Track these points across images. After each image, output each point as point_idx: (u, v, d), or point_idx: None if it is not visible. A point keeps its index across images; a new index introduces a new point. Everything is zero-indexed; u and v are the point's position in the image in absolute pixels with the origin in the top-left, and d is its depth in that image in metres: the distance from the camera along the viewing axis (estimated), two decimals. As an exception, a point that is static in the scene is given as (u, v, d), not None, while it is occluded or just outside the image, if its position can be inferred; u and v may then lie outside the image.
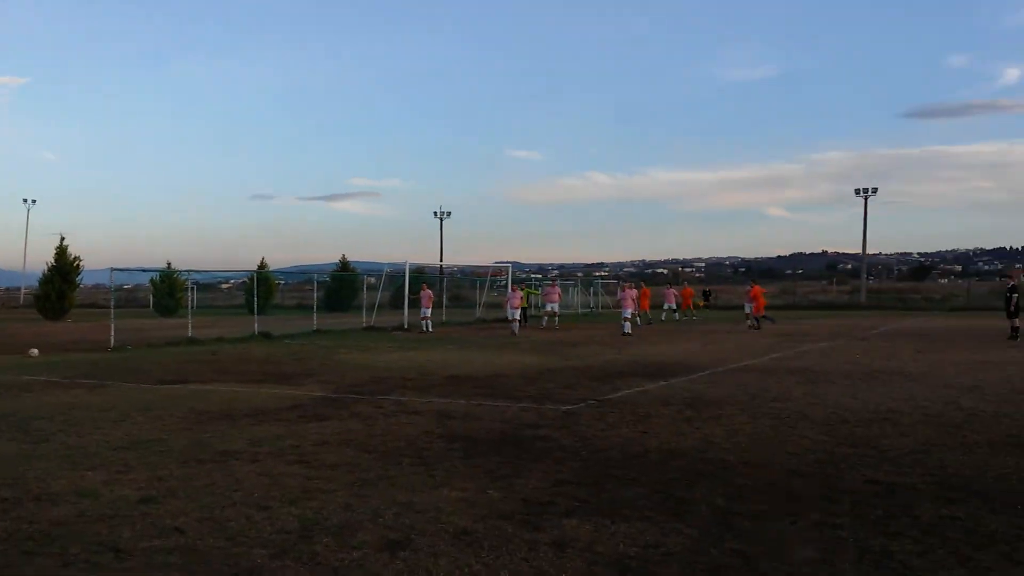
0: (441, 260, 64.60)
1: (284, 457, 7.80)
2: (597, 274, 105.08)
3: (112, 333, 22.82)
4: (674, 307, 37.74)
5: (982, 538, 5.17)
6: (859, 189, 62.18)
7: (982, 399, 11.32)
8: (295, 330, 28.09)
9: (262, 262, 51.68)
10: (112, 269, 25.02)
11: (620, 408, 10.79)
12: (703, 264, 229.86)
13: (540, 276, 69.71)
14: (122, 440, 8.74)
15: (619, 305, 30.44)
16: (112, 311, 24.15)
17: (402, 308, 32.34)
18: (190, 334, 24.93)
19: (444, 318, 36.87)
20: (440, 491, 6.46)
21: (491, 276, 45.20)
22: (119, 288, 63.75)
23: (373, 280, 45.50)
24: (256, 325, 27.07)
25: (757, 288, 30.50)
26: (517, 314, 28.50)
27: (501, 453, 7.91)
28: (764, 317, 29.63)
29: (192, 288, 38.69)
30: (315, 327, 28.82)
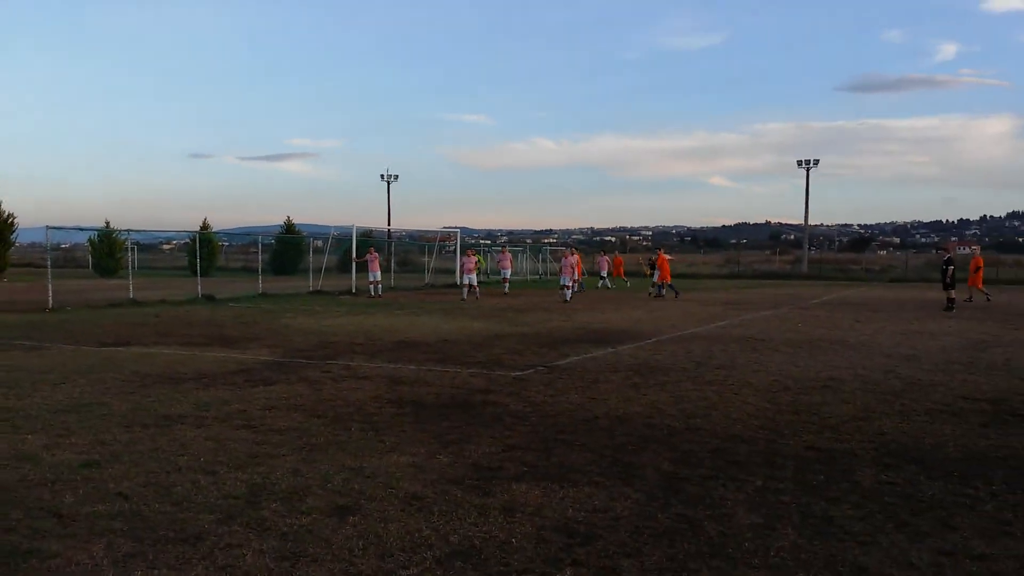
0: (389, 224, 64.10)
1: (231, 422, 7.71)
2: (545, 240, 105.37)
3: (50, 294, 22.18)
4: (604, 275, 37.66)
5: (919, 503, 5.35)
6: (801, 161, 63.14)
7: (919, 368, 11.66)
8: (240, 293, 27.65)
9: (204, 222, 50.55)
10: (48, 227, 24.23)
11: (569, 374, 10.87)
12: (650, 232, 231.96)
13: (489, 242, 69.57)
14: (63, 403, 8.53)
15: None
16: (49, 271, 23.41)
17: (349, 272, 32.02)
18: (131, 295, 24.36)
19: (393, 283, 36.62)
20: (390, 456, 6.45)
21: (440, 241, 45.00)
22: (56, 248, 62.00)
23: (320, 243, 44.97)
24: (200, 287, 26.57)
25: (663, 256, 30.71)
26: (472, 279, 28.39)
27: (451, 418, 7.92)
28: (669, 286, 29.75)
29: (132, 249, 37.72)
30: (260, 290, 28.39)
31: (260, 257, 33.38)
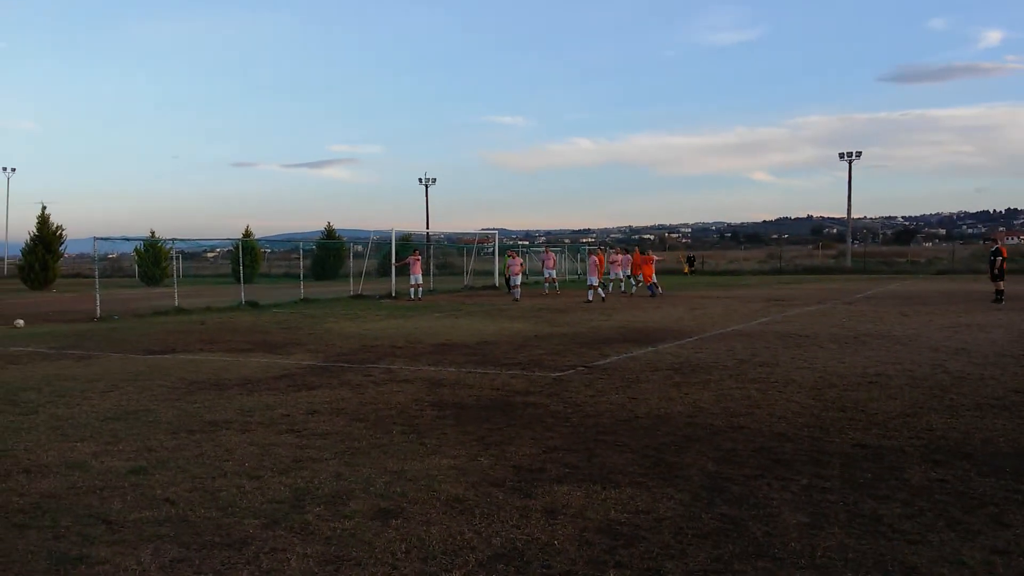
0: (427, 227, 64.41)
1: (274, 427, 7.79)
2: (584, 240, 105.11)
3: (98, 303, 22.67)
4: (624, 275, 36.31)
5: (970, 501, 5.23)
6: (843, 153, 62.26)
7: (968, 362, 11.41)
8: (282, 299, 28.00)
9: (247, 230, 51.32)
10: (96, 238, 24.75)
11: (609, 374, 10.82)
12: (689, 229, 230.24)
13: (527, 243, 69.54)
14: (111, 411, 8.70)
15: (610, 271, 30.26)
16: (97, 281, 23.95)
17: (389, 276, 32.24)
18: (176, 303, 24.80)
19: (432, 286, 36.80)
20: (431, 459, 6.47)
21: (478, 243, 45.12)
22: (103, 258, 63.35)
23: (361, 248, 45.36)
24: (243, 294, 26.95)
25: (639, 255, 30.29)
26: (519, 280, 28.53)
27: (491, 420, 7.93)
28: (646, 285, 29.21)
29: (177, 257, 38.39)
30: (302, 296, 28.72)
31: (301, 263, 33.75)
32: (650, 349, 13.53)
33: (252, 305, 25.94)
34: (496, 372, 11.15)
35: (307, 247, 52.69)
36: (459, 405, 8.76)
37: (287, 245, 60.93)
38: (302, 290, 29.42)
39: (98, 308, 22.46)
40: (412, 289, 29.43)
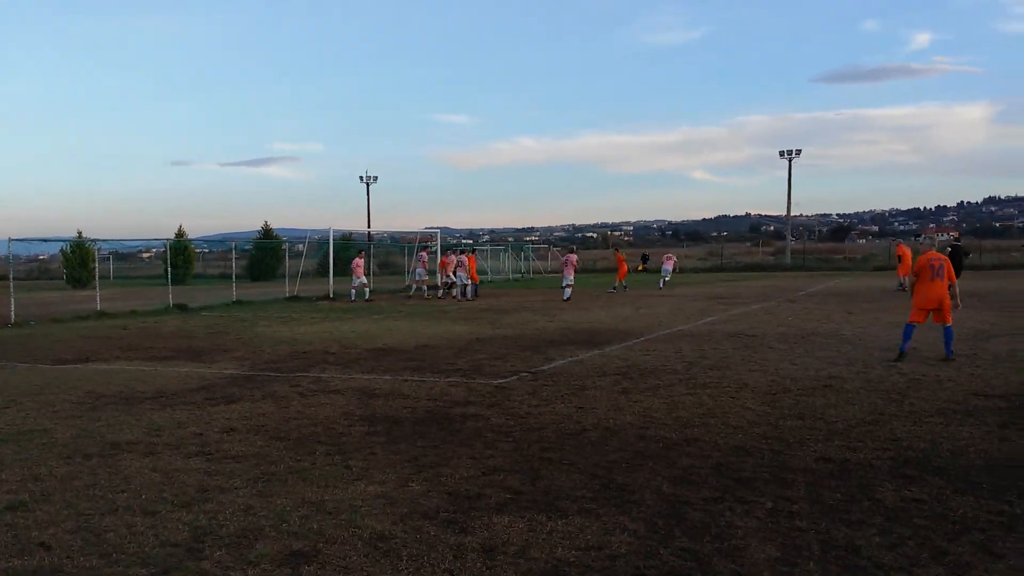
0: (369, 226, 63.25)
1: (183, 449, 6.99)
2: (528, 239, 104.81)
3: (12, 308, 21.28)
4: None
5: (952, 525, 4.73)
6: (783, 151, 62.80)
7: (922, 362, 11.09)
8: (213, 301, 26.81)
9: (179, 229, 49.57)
10: (10, 239, 23.33)
11: (554, 380, 10.21)
12: (632, 228, 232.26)
13: (470, 242, 68.82)
14: (1, 431, 7.78)
15: (560, 271, 29.62)
16: (11, 283, 22.47)
17: (328, 276, 31.22)
18: (99, 307, 23.49)
19: (372, 286, 35.87)
20: (356, 486, 5.77)
21: (420, 242, 44.25)
22: (33, 259, 60.75)
23: (301, 248, 44.13)
24: (171, 296, 25.71)
25: (571, 256, 29.93)
26: (466, 279, 27.82)
27: (427, 437, 7.25)
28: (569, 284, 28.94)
29: (108, 258, 36.75)
30: (235, 298, 27.56)
31: (234, 263, 32.50)
32: (596, 352, 12.98)
33: (180, 308, 24.75)
34: (434, 380, 10.46)
35: (243, 247, 51.22)
36: (392, 419, 8.05)
37: (224, 246, 59.18)
38: (235, 292, 28.25)
39: (12, 313, 21.08)
40: (354, 291, 28.33)
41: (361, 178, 69.20)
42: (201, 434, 7.54)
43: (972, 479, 5.65)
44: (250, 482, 5.91)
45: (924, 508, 5.06)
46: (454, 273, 28.23)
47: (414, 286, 30.80)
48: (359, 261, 29.10)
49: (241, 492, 5.66)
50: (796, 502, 5.24)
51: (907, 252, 29.46)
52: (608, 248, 70.52)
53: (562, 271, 27.55)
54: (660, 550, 4.45)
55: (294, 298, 29.45)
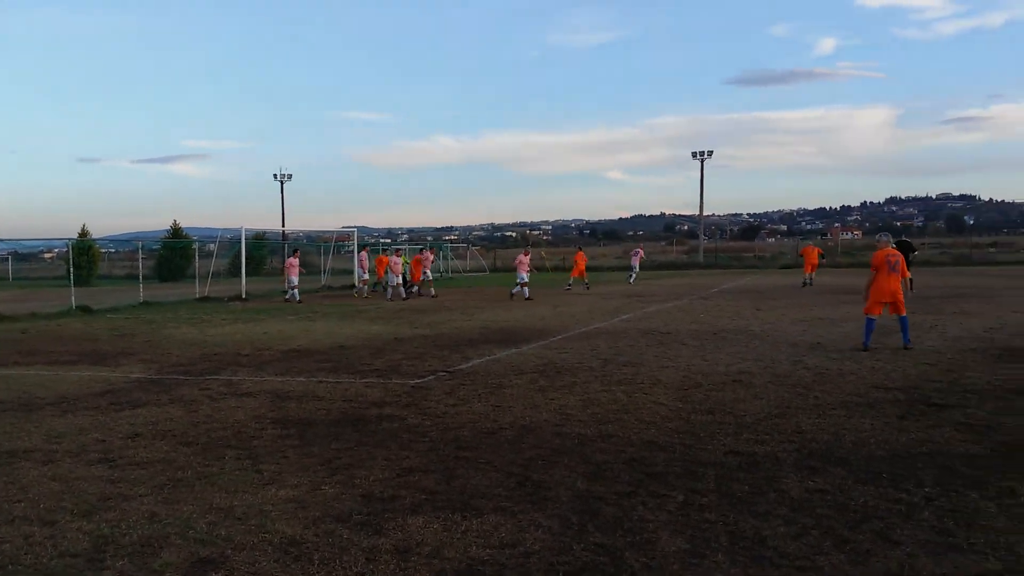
0: (283, 225, 62.05)
1: (84, 456, 6.72)
2: (447, 238, 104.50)
3: (-102, 312, 20.11)
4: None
5: (853, 514, 4.90)
6: (696, 152, 64.26)
7: (826, 357, 11.49)
8: (120, 303, 25.87)
9: (83, 228, 47.65)
10: None
11: (471, 379, 10.20)
12: (550, 227, 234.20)
13: (389, 241, 68.26)
14: None
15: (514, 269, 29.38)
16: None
17: (240, 276, 30.48)
18: (-4, 310, 22.39)
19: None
20: (267, 490, 5.64)
21: (337, 241, 43.68)
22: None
23: (212, 247, 43.01)
24: (74, 298, 24.70)
25: (525, 257, 30.32)
26: (398, 280, 27.42)
27: (341, 439, 7.14)
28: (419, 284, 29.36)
29: (7, 259, 35.06)
30: (142, 299, 26.64)
31: (141, 263, 31.45)
32: (514, 350, 13.02)
33: (84, 310, 23.80)
34: (350, 381, 10.32)
35: (151, 246, 49.65)
36: (306, 422, 7.90)
37: (131, 245, 57.17)
38: (142, 293, 27.33)
39: (-101, 317, 19.92)
40: (296, 291, 27.35)
41: (275, 176, 67.86)
42: (104, 440, 7.26)
43: (873, 469, 5.87)
44: (155, 489, 5.71)
45: (827, 498, 5.23)
46: (386, 271, 27.96)
47: (363, 286, 30.37)
48: (293, 260, 28.35)
49: (146, 499, 5.47)
50: (706, 495, 5.35)
51: (811, 251, 31.67)
52: (527, 246, 70.80)
53: (516, 270, 27.47)
54: (573, 545, 4.49)
55: (205, 299, 28.66)
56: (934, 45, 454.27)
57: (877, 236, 14.16)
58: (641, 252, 39.25)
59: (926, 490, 5.33)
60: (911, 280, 24.20)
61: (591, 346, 13.35)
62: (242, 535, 4.74)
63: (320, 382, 10.27)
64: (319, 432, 7.43)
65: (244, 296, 28.83)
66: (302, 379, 10.55)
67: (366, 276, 30.14)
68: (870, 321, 12.36)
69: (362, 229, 59.10)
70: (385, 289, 27.95)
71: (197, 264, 33.41)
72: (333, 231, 45.92)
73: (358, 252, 33.30)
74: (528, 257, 27.82)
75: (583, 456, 6.40)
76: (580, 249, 35.83)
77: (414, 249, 39.53)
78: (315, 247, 49.62)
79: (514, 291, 26.27)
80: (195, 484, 5.82)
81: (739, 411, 7.98)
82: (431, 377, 10.48)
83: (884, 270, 12.21)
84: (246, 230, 32.86)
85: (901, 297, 12.16)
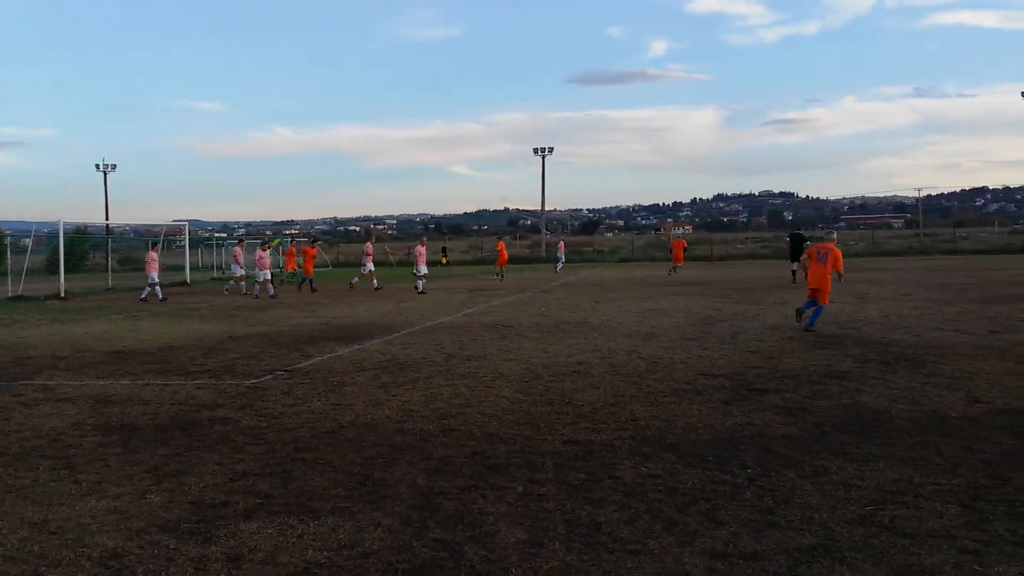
0: (107, 218, 58.42)
1: None
2: (287, 232, 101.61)
3: None
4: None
5: (682, 497, 5.13)
6: (537, 149, 65.64)
7: (659, 346, 11.99)
8: (-83, 303, 23.52)
9: None
10: None
11: (311, 378, 9.96)
12: (395, 221, 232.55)
13: (225, 235, 65.61)
14: None
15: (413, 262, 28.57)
16: None
17: (59, 273, 28.40)
18: None
19: (111, 283, 33.21)
20: (86, 501, 5.28)
21: (167, 235, 41.58)
22: None
23: (27, 242, 39.84)
24: None
25: (421, 248, 30.40)
26: (267, 275, 26.10)
27: (169, 444, 6.78)
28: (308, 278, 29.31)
29: None
30: (-55, 299, 24.34)
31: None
32: (356, 347, 12.82)
33: None
34: (180, 383, 9.83)
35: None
36: (130, 427, 7.46)
37: (-70, 239, 52.04)
38: (-56, 292, 24.97)
39: None
40: (149, 288, 25.42)
41: (98, 166, 63.80)
42: None
43: (700, 453, 6.17)
44: (-45, 507, 5.22)
45: (658, 482, 5.45)
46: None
47: (236, 283, 28.53)
48: (153, 255, 26.25)
49: (-56, 519, 4.99)
50: (545, 484, 5.45)
51: (677, 244, 35.02)
52: (369, 240, 70.09)
53: (415, 263, 26.93)
54: (413, 543, 4.46)
55: (18, 298, 26.52)
56: (757, 50, 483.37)
57: (826, 230, 15.78)
58: (563, 244, 45.14)
59: (748, 471, 5.66)
60: (794, 272, 26.22)
61: (435, 341, 13.34)
62: (57, 550, 4.41)
63: (147, 385, 9.73)
64: (145, 438, 7.03)
65: (63, 294, 26.90)
66: (127, 382, 9.96)
67: (241, 272, 28.50)
68: (807, 304, 13.84)
69: (194, 223, 56.55)
70: (301, 281, 26.42)
71: (10, 260, 30.86)
72: (163, 225, 43.72)
73: (233, 247, 31.85)
74: (424, 247, 27.47)
75: (425, 452, 6.38)
76: (500, 239, 39.00)
77: (301, 241, 38.00)
78: (143, 242, 47.02)
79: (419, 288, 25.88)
80: (4, 498, 5.36)
81: (577, 401, 8.19)
82: (268, 377, 10.15)
83: (813, 260, 13.80)
84: (65, 223, 30.72)
85: (827, 287, 13.52)
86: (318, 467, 6.01)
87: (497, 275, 34.30)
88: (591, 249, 68.90)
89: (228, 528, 4.73)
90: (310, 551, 4.37)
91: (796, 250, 27.50)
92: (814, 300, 13.67)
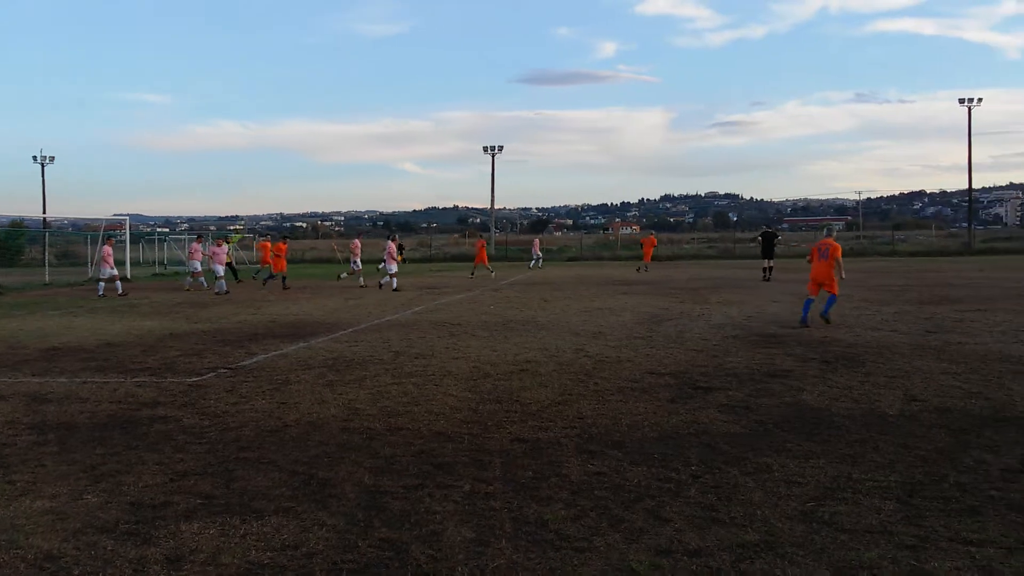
0: (44, 211, 56.75)
1: None
2: (232, 227, 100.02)
3: None
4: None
5: (628, 494, 5.17)
6: (487, 147, 65.55)
7: (606, 345, 12.07)
8: None
9: None
10: None
11: (255, 376, 9.81)
12: (342, 218, 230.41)
13: (167, 230, 64.28)
14: None
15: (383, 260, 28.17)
16: None
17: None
18: None
19: (48, 278, 32.32)
20: (20, 502, 5.13)
21: (106, 230, 40.55)
22: None
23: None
24: None
25: (393, 246, 30.26)
26: (222, 271, 25.61)
27: (107, 443, 6.62)
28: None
29: None
30: None
31: None
32: (302, 345, 12.66)
33: None
34: (119, 380, 9.60)
35: None
36: (67, 426, 7.26)
37: None
38: None
39: None
40: (102, 283, 24.69)
41: (35, 158, 61.89)
42: None
43: (646, 451, 6.23)
44: None
45: (605, 480, 5.49)
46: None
47: (193, 280, 27.83)
48: (108, 249, 25.26)
49: None
50: (492, 483, 5.45)
51: (647, 242, 38.73)
52: (319, 238, 69.47)
53: (384, 261, 26.59)
54: (359, 543, 4.42)
55: (-51, 293, 25.64)
56: (704, 53, 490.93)
57: (826, 229, 16.42)
58: (538, 242, 45.91)
59: (692, 468, 5.73)
60: (769, 269, 27.24)
61: (382, 339, 13.24)
62: (-13, 555, 4.27)
63: (84, 383, 9.48)
64: (82, 437, 6.85)
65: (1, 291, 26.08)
66: (63, 380, 9.69)
67: (198, 268, 27.87)
68: (808, 301, 14.35)
69: (136, 217, 55.35)
70: (216, 280, 25.79)
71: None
72: (103, 219, 42.61)
73: (190, 243, 31.24)
74: (395, 245, 27.14)
75: (371, 451, 6.33)
76: (481, 237, 39.40)
77: (274, 238, 37.30)
78: (82, 236, 45.82)
79: (383, 281, 25.90)
80: (-70, 502, 5.18)
81: (525, 399, 8.20)
82: (210, 375, 9.97)
83: (816, 257, 14.49)
84: (0, 216, 29.74)
85: (831, 279, 14.18)
86: (262, 466, 5.92)
87: (475, 273, 34.45)
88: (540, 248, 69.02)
89: (168, 529, 4.64)
90: (253, 551, 4.30)
91: (768, 248, 28.11)
92: (813, 298, 14.29)
